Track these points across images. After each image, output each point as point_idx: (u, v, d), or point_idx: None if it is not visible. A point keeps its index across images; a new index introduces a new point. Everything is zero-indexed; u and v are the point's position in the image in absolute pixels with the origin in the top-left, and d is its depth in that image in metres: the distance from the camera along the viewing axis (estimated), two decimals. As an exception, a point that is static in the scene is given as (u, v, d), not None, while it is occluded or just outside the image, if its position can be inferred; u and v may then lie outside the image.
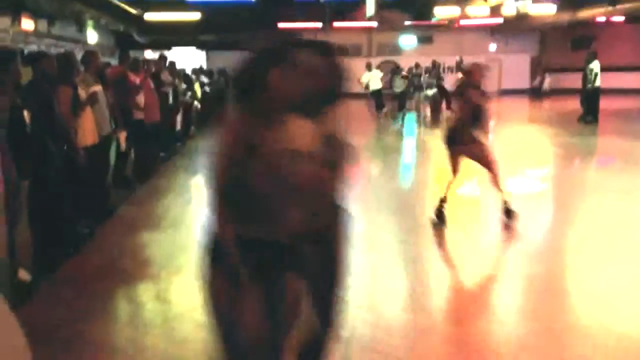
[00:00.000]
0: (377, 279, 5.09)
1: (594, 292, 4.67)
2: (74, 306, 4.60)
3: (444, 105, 17.02)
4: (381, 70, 19.37)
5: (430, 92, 17.12)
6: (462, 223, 6.81)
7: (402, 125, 17.06)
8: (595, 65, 15.65)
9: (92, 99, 6.47)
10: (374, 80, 17.89)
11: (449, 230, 6.51)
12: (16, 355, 0.82)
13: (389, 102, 18.86)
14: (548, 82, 27.13)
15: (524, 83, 29.38)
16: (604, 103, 16.40)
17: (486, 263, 5.58)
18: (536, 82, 28.01)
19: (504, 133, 14.86)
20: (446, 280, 5.06)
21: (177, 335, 4.06)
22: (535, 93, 27.40)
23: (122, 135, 7.57)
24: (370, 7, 11.06)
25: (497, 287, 4.90)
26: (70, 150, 5.89)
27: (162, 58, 12.15)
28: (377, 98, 18.02)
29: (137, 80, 8.82)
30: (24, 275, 4.73)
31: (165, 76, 11.31)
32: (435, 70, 18.79)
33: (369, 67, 18.27)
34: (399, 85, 18.01)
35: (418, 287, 4.88)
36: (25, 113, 4.86)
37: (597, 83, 15.66)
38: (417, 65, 19.44)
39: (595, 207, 7.46)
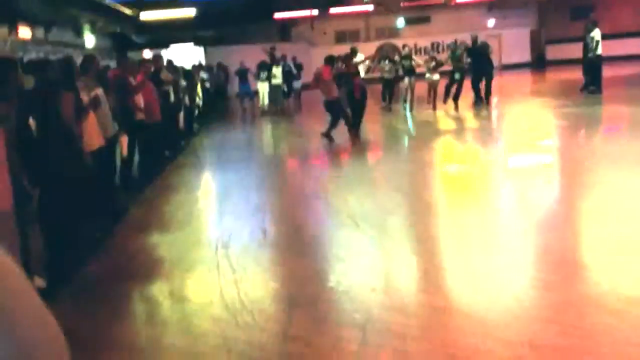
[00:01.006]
0: (390, 262, 5.11)
1: (609, 261, 4.67)
2: (91, 309, 4.63)
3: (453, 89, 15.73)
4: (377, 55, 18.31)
5: (436, 76, 15.57)
6: (469, 202, 6.80)
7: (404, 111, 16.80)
8: (596, 34, 15.51)
9: (95, 103, 6.48)
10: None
11: (457, 210, 6.51)
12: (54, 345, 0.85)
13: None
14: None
15: (525, 57, 29.22)
16: (606, 71, 16.28)
17: (498, 239, 5.58)
18: None
19: (509, 107, 14.81)
20: (458, 259, 5.06)
21: (195, 331, 4.09)
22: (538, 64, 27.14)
23: (124, 140, 7.59)
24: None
25: (510, 262, 4.89)
26: (77, 155, 5.91)
27: (159, 56, 12.14)
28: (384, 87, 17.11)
29: (135, 81, 8.82)
30: (39, 282, 4.76)
31: (165, 75, 11.30)
32: (457, 50, 16.26)
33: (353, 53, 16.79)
34: (389, 70, 16.88)
35: (431, 267, 4.88)
36: (31, 120, 4.89)
37: (599, 51, 15.52)
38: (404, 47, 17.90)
39: (605, 176, 7.43)
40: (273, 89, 18.52)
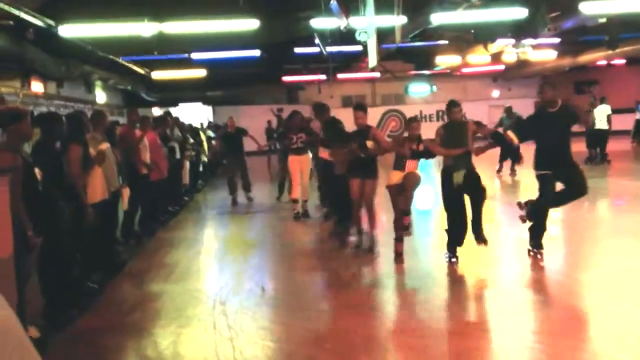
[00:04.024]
0: (390, 320, 5.05)
1: (612, 332, 4.62)
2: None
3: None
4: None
5: None
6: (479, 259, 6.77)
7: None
8: (606, 109, 16.08)
9: (100, 157, 6.58)
10: None
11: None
12: None
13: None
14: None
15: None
16: (611, 145, 16.56)
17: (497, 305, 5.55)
18: None
19: (514, 177, 14.83)
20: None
21: (187, 388, 4.03)
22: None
23: (125, 192, 7.66)
24: (372, 58, 11.24)
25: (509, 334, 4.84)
26: (79, 208, 5.96)
27: (168, 114, 12.38)
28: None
29: (140, 134, 8.97)
30: (33, 332, 4.72)
31: (172, 132, 11.51)
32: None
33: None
34: None
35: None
36: (37, 171, 4.96)
37: (604, 126, 15.97)
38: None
39: (610, 247, 7.43)
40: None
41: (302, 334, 4.96)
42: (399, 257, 7.00)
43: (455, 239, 6.79)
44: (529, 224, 6.85)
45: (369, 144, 7.37)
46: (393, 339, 4.90)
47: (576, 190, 6.62)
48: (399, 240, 7.07)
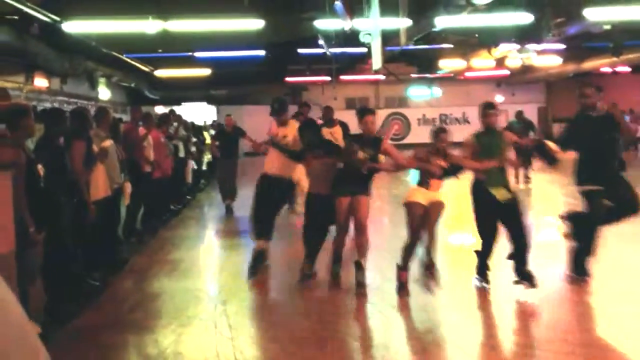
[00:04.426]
0: (390, 324, 5.04)
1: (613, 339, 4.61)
2: (82, 357, 4.57)
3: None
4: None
5: None
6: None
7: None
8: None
9: (102, 154, 6.57)
10: None
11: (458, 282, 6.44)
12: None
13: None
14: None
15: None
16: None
17: (499, 312, 5.52)
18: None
19: (529, 185, 14.79)
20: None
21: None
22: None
23: (127, 188, 7.64)
24: (376, 61, 11.22)
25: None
26: (81, 204, 5.96)
27: (172, 112, 12.36)
28: None
29: (143, 132, 8.96)
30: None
31: (176, 130, 11.51)
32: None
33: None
34: None
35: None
36: (40, 167, 4.95)
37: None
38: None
39: (626, 257, 7.41)
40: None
41: (304, 335, 4.94)
42: (403, 288, 5.91)
43: (487, 261, 5.94)
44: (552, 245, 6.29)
45: (382, 159, 6.29)
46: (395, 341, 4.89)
47: (629, 207, 5.84)
48: (404, 269, 5.98)
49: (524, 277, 5.71)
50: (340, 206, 6.08)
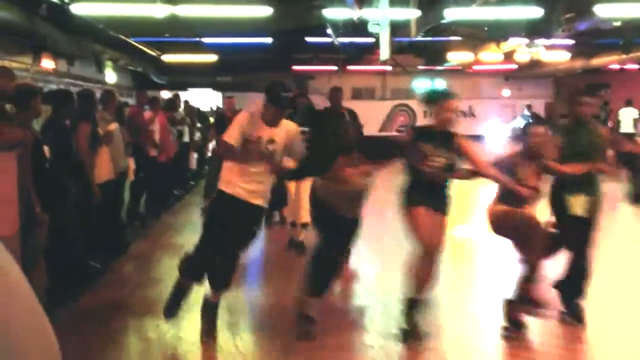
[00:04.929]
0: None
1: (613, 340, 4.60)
2: (87, 342, 4.59)
3: None
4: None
5: None
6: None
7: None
8: (633, 112, 16.00)
9: (107, 138, 6.59)
10: None
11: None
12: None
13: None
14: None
15: (538, 128, 29.45)
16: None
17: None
18: None
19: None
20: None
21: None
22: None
23: (131, 164, 7.65)
24: (384, 51, 11.19)
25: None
26: (86, 186, 5.97)
27: (177, 96, 12.35)
28: None
29: (149, 115, 8.97)
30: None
31: (180, 115, 11.50)
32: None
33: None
34: None
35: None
36: (46, 148, 4.96)
37: (630, 129, 15.98)
38: None
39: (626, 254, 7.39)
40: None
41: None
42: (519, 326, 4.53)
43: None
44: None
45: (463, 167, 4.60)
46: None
47: None
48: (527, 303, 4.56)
49: (574, 312, 4.77)
50: (421, 219, 4.37)
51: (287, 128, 4.58)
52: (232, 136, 4.38)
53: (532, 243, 4.38)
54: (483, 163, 4.49)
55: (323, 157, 4.84)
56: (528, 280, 4.47)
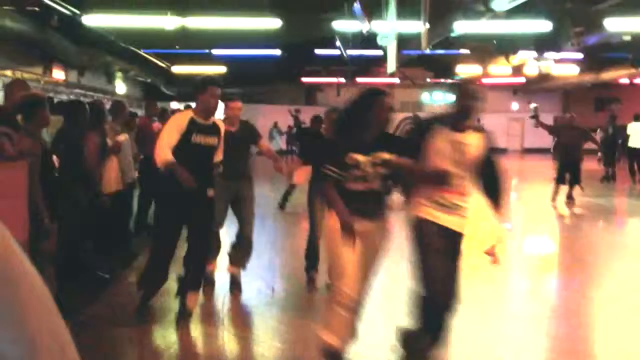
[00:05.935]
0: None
1: (620, 353, 4.56)
2: (92, 352, 4.57)
3: None
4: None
5: None
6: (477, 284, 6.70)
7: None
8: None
9: (115, 149, 6.61)
10: None
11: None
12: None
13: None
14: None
15: (547, 142, 29.36)
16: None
17: (507, 324, 5.48)
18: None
19: (526, 193, 14.75)
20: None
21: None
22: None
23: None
24: (391, 64, 11.23)
25: (519, 348, 4.79)
26: (94, 196, 5.98)
27: (188, 108, 12.36)
28: None
29: (158, 127, 8.98)
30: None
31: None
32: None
33: None
34: None
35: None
36: (55, 158, 4.97)
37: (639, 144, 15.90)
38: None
39: (621, 268, 7.35)
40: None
41: (311, 336, 4.92)
42: None
43: None
44: None
45: None
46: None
47: None
48: None
49: None
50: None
51: None
52: None
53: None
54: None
55: None
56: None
